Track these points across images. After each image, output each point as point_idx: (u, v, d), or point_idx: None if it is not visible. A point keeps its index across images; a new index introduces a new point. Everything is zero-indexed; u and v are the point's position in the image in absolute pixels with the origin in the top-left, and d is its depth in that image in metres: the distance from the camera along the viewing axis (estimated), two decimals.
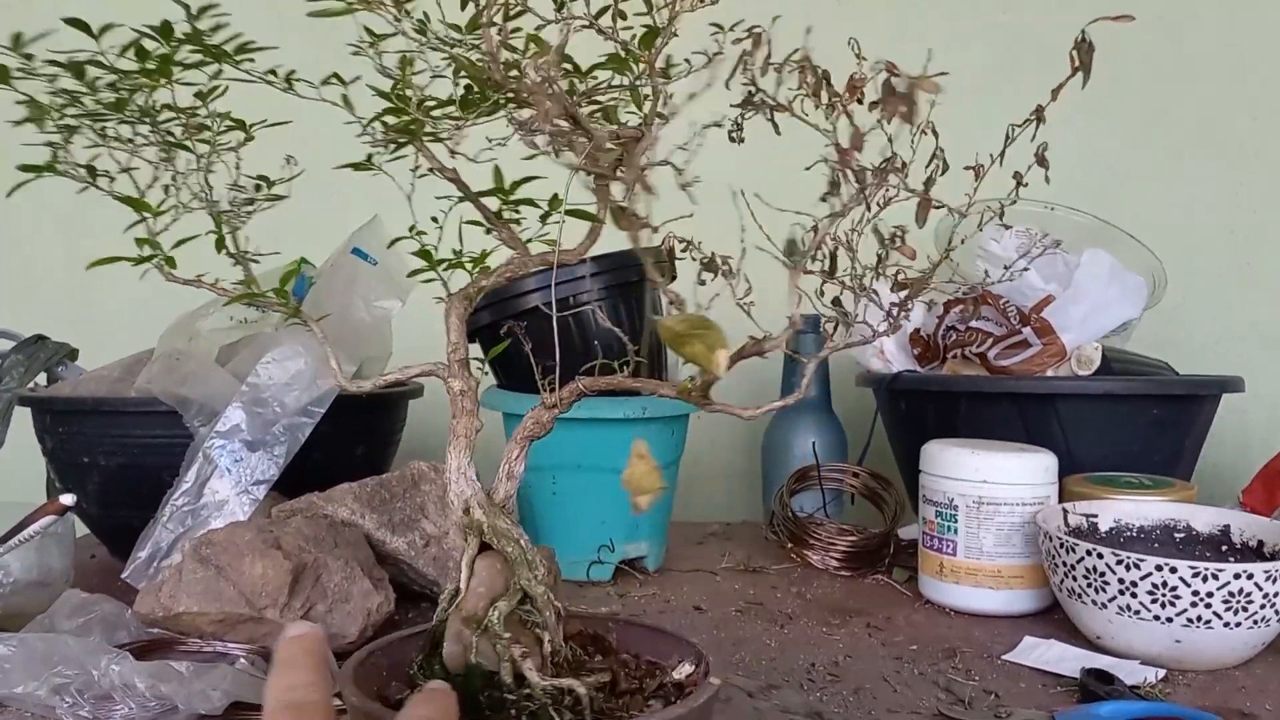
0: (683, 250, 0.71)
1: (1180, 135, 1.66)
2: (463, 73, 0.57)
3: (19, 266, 1.73)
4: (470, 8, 0.56)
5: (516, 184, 0.64)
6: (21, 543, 0.85)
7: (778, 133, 0.56)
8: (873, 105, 0.49)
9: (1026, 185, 0.62)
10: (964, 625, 0.96)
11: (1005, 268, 1.08)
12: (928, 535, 1.02)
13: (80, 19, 0.56)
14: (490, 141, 0.59)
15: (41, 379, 1.25)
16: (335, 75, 0.59)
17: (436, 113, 0.59)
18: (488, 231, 0.64)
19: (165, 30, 0.56)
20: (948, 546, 0.99)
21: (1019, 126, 0.57)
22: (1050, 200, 1.35)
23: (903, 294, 0.60)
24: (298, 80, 0.60)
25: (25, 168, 0.61)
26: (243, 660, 0.72)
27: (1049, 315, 1.18)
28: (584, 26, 0.63)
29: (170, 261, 0.63)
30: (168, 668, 0.69)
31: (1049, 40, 1.62)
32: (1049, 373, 1.18)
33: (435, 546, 0.94)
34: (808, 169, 0.56)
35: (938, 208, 0.57)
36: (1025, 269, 1.17)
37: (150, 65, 0.58)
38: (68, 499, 0.87)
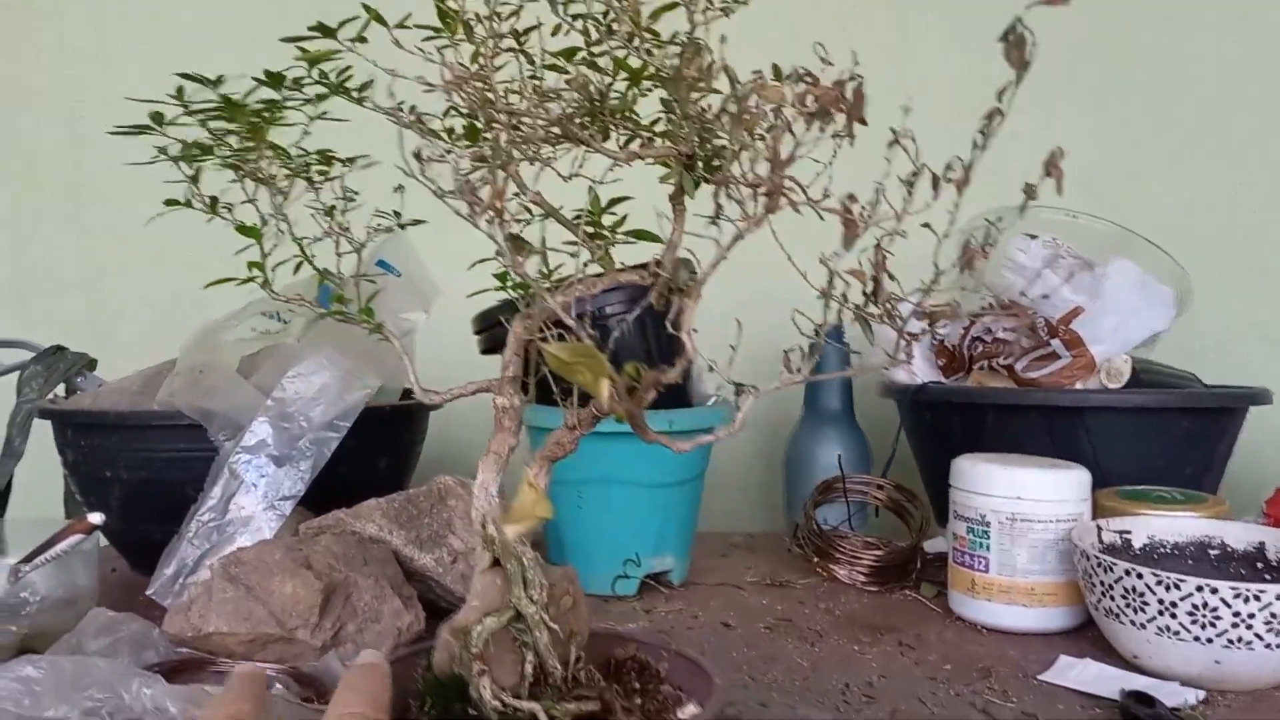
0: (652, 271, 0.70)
1: (1181, 135, 1.65)
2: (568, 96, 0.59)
3: (35, 276, 1.72)
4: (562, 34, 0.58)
5: (613, 201, 0.64)
6: (48, 561, 0.84)
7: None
8: (812, 116, 0.47)
9: (1036, 200, 0.60)
10: (997, 643, 0.95)
11: (1022, 293, 1.07)
12: (958, 551, 1.01)
13: (194, 74, 0.62)
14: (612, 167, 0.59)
15: (60, 390, 1.25)
16: (453, 108, 0.62)
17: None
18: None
19: (276, 78, 0.63)
20: (979, 563, 0.98)
21: (985, 133, 0.52)
22: (1062, 205, 1.34)
23: (924, 323, 0.59)
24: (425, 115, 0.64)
25: (169, 203, 0.69)
26: (278, 686, 0.71)
27: (1078, 327, 1.17)
28: (619, 47, 0.62)
29: (269, 283, 0.71)
30: (201, 691, 0.68)
31: (1059, 43, 1.62)
32: (1078, 385, 1.16)
33: (463, 563, 0.93)
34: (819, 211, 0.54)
35: (925, 227, 0.55)
36: (1042, 298, 1.16)
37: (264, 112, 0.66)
38: (96, 518, 0.86)
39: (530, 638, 0.57)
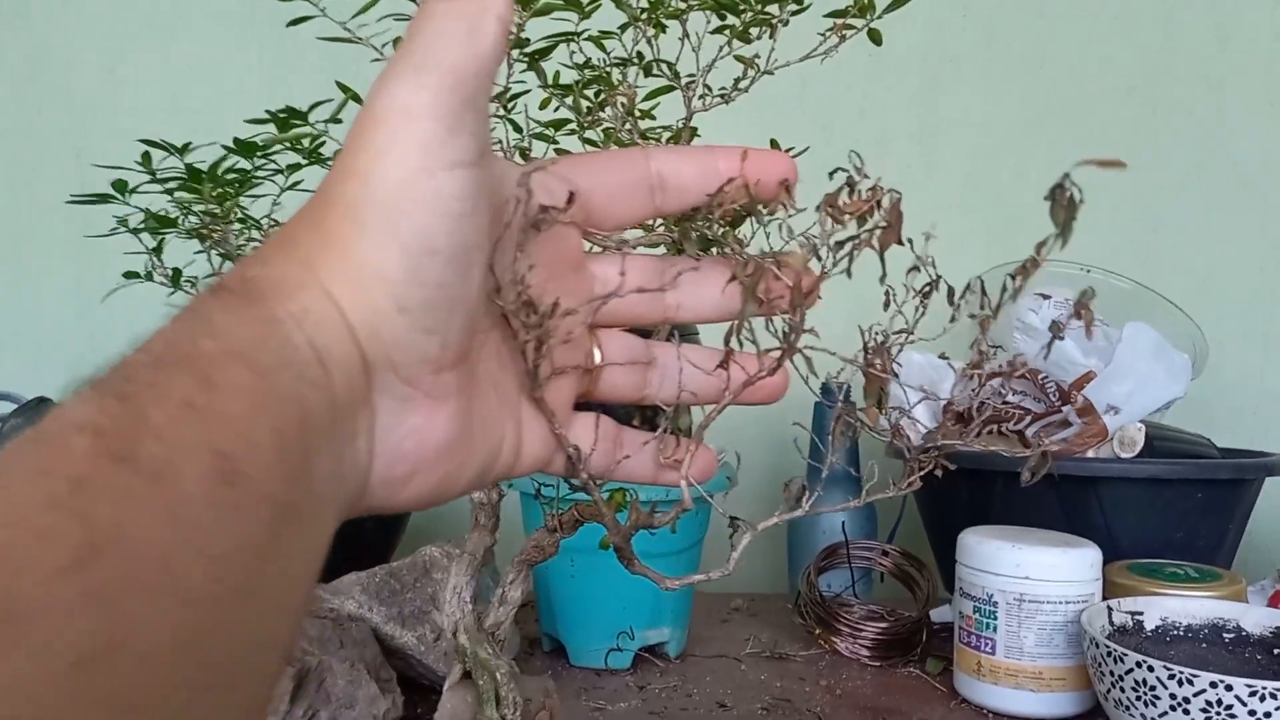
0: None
1: (1212, 192, 1.61)
2: None
3: (32, 323, 1.69)
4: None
5: None
6: None
7: None
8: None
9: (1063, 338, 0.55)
10: None
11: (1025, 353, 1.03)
12: (965, 631, 0.97)
13: (162, 142, 0.62)
14: None
15: None
16: None
17: None
18: None
19: (247, 147, 0.62)
20: (986, 645, 0.94)
21: (1016, 280, 0.46)
22: (1086, 262, 1.30)
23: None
24: None
25: (128, 275, 0.68)
26: None
27: (1090, 392, 1.13)
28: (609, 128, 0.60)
29: None
30: None
31: (1094, 94, 1.58)
32: (1090, 454, 1.13)
33: (446, 641, 0.89)
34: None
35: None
36: (1045, 359, 1.12)
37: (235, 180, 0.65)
38: None
39: None
